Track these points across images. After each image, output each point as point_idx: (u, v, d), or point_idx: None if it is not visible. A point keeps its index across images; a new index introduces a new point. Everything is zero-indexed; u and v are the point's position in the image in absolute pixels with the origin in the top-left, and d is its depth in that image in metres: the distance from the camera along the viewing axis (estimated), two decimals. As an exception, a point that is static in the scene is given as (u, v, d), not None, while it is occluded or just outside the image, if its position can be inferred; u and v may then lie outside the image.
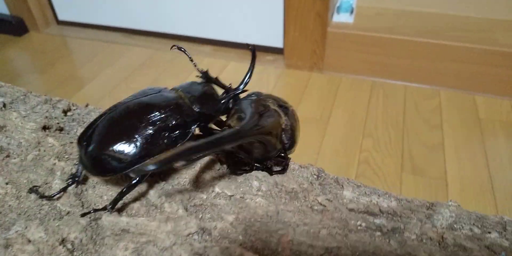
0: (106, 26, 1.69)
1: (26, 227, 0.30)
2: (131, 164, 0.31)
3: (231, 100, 0.38)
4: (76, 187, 0.34)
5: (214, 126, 0.38)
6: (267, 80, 1.35)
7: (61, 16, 1.75)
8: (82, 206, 0.33)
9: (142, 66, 1.46)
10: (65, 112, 0.46)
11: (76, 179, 0.34)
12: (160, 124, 0.33)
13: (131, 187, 0.31)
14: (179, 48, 0.39)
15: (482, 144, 1.07)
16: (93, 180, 0.35)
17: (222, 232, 0.30)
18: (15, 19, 1.67)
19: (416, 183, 0.97)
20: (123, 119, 0.34)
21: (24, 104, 0.46)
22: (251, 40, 1.48)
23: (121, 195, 0.31)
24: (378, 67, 1.33)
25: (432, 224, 0.33)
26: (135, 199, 0.33)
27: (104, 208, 0.31)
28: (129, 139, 0.32)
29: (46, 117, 0.43)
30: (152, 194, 0.33)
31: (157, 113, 0.33)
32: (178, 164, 0.34)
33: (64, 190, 0.33)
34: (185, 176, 0.35)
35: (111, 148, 0.31)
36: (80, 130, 0.42)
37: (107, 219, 0.31)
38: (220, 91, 0.39)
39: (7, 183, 0.35)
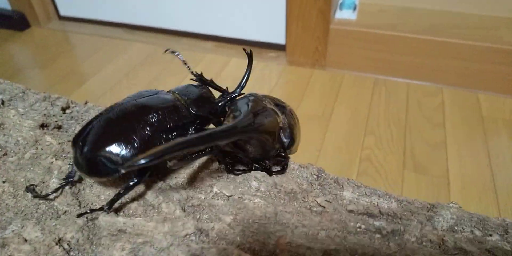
0: (107, 21, 1.68)
1: (22, 227, 0.30)
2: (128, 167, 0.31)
3: (227, 103, 0.37)
4: (71, 187, 0.34)
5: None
6: (269, 77, 1.35)
7: (63, 12, 1.74)
8: (79, 205, 0.33)
9: (143, 62, 1.46)
10: (63, 109, 0.45)
11: (70, 179, 0.33)
12: (157, 125, 0.32)
13: (128, 189, 0.31)
14: (173, 52, 0.39)
15: (484, 143, 1.07)
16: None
17: (220, 233, 0.29)
18: (16, 14, 1.67)
19: (418, 181, 0.97)
20: (120, 120, 0.33)
21: (23, 101, 0.46)
22: (253, 37, 1.48)
23: (118, 196, 0.31)
24: (380, 64, 1.32)
25: (433, 226, 0.33)
26: (133, 199, 0.32)
27: (101, 209, 0.31)
28: (125, 140, 0.31)
29: (45, 114, 0.42)
30: (150, 194, 0.33)
31: (154, 114, 0.33)
32: (172, 163, 0.33)
33: (57, 190, 0.33)
34: (183, 176, 0.35)
35: (107, 149, 0.31)
36: (78, 128, 0.42)
37: (104, 219, 0.30)
38: (216, 94, 0.39)
39: (4, 182, 0.34)
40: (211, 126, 0.38)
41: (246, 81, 0.39)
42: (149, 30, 1.63)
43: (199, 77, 0.38)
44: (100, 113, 0.34)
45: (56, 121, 0.42)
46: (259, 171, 0.36)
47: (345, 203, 0.35)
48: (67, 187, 0.33)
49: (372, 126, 1.14)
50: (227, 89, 0.39)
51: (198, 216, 0.31)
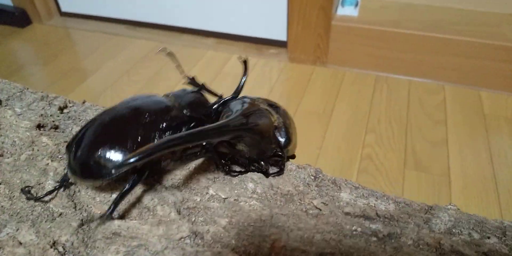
0: (109, 18, 1.68)
1: (17, 229, 0.30)
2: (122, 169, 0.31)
3: (221, 106, 0.37)
4: (64, 190, 0.33)
5: None
6: (270, 74, 1.34)
7: (64, 8, 1.74)
8: (75, 207, 0.32)
9: (144, 59, 1.46)
10: (61, 109, 0.45)
11: (65, 183, 0.33)
12: (149, 126, 0.32)
13: (127, 191, 0.31)
14: (168, 53, 0.38)
15: (486, 140, 1.06)
16: (86, 181, 0.34)
17: (215, 236, 0.29)
18: (18, 11, 1.67)
19: (419, 180, 0.97)
20: (112, 123, 0.33)
21: (20, 101, 0.46)
22: (254, 33, 1.48)
23: (119, 198, 0.30)
24: (382, 61, 1.31)
25: (430, 228, 0.32)
26: (128, 201, 0.32)
27: (103, 216, 0.30)
28: (118, 142, 0.31)
29: (42, 115, 0.42)
30: (145, 196, 0.32)
31: (146, 115, 0.33)
32: (166, 164, 0.33)
33: (51, 192, 0.33)
34: (179, 178, 0.35)
35: (99, 152, 0.31)
36: (76, 129, 0.42)
37: (99, 222, 0.30)
38: (211, 99, 0.39)
39: (0, 183, 0.34)
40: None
41: (241, 87, 0.39)
42: (150, 27, 1.63)
43: (192, 81, 0.38)
44: (94, 118, 0.34)
45: (53, 121, 0.42)
46: (255, 173, 0.36)
47: (342, 205, 0.34)
48: (62, 189, 0.33)
49: (373, 124, 1.13)
50: (222, 95, 0.39)
51: (193, 219, 0.31)
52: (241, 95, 0.39)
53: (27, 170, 0.35)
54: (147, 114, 0.33)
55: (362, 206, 0.34)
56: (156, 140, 0.32)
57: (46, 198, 0.33)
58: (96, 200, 0.33)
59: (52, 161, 0.36)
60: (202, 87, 0.39)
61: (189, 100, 0.37)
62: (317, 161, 1.01)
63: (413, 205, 0.36)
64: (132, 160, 0.24)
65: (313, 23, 1.31)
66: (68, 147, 0.33)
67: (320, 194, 0.35)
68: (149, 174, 0.33)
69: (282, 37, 1.43)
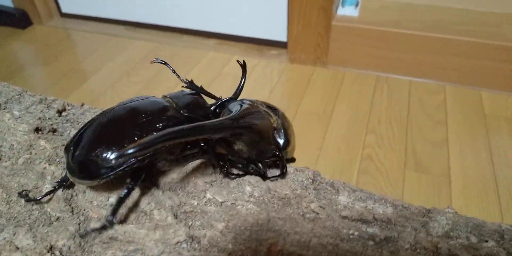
0: (109, 19, 1.68)
1: (14, 234, 0.30)
2: (119, 167, 0.31)
3: (219, 107, 0.38)
4: (63, 190, 0.33)
5: None
6: (271, 75, 1.34)
7: (65, 9, 1.74)
8: (72, 211, 0.33)
9: (144, 60, 1.46)
10: (59, 112, 0.45)
11: (64, 183, 0.33)
12: (147, 126, 0.32)
13: (126, 195, 0.31)
14: (160, 62, 0.39)
15: (486, 140, 1.06)
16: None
17: (212, 240, 0.29)
18: (18, 12, 1.67)
19: (419, 180, 0.96)
20: (111, 123, 0.33)
21: (19, 104, 0.46)
22: (255, 34, 1.48)
23: (118, 204, 0.30)
24: (382, 62, 1.31)
25: (428, 232, 0.32)
26: (125, 205, 0.32)
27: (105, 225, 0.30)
28: (116, 142, 0.31)
29: (40, 118, 0.42)
30: (142, 200, 0.32)
31: (143, 115, 0.33)
32: (162, 164, 0.33)
33: (49, 193, 0.33)
34: (176, 181, 0.35)
35: (97, 151, 0.31)
36: (74, 132, 0.42)
37: (96, 226, 0.30)
38: (210, 102, 0.39)
39: (-3, 187, 0.34)
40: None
41: (241, 90, 0.39)
42: (150, 28, 1.63)
43: (191, 84, 0.38)
44: (92, 119, 0.34)
45: (51, 124, 0.42)
46: (253, 176, 0.36)
47: (339, 209, 0.34)
48: (60, 193, 0.33)
49: (373, 124, 1.13)
50: (220, 98, 0.39)
51: (190, 223, 0.31)
52: (241, 97, 0.39)
53: (25, 174, 0.35)
54: (144, 114, 0.33)
55: (359, 210, 0.34)
56: None
57: (44, 199, 0.33)
58: (94, 204, 0.33)
59: (49, 164, 0.36)
60: (200, 90, 0.39)
61: (187, 101, 0.37)
62: (317, 162, 1.01)
63: (411, 208, 0.36)
64: (131, 151, 0.24)
65: (313, 22, 1.30)
66: (67, 148, 0.33)
67: (318, 197, 0.35)
68: (145, 177, 0.33)
69: (283, 37, 1.43)
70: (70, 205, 0.33)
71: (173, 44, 1.53)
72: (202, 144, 0.34)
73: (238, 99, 0.39)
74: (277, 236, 0.30)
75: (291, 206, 0.33)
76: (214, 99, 0.39)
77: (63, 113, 0.45)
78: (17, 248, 0.29)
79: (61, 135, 0.41)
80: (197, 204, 0.33)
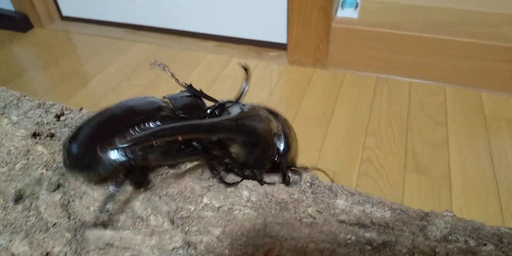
0: (109, 21, 1.68)
1: (10, 241, 0.30)
2: (116, 162, 0.31)
3: (217, 110, 0.37)
4: (60, 199, 0.33)
5: None
6: (270, 77, 1.34)
7: (65, 12, 1.74)
8: (69, 217, 0.33)
9: (145, 62, 1.46)
10: (58, 116, 0.45)
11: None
12: (141, 125, 0.33)
13: (115, 192, 0.31)
14: (159, 65, 0.39)
15: (487, 142, 1.06)
16: (80, 190, 0.34)
17: (208, 246, 0.29)
18: (19, 15, 1.67)
19: (419, 182, 0.96)
20: (108, 121, 0.34)
21: (17, 108, 0.46)
22: (254, 36, 1.48)
23: (107, 199, 0.31)
24: (382, 63, 1.31)
25: (426, 236, 0.32)
26: (121, 211, 0.32)
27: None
28: (111, 139, 0.32)
29: (38, 123, 0.42)
30: (138, 205, 0.32)
31: (139, 114, 0.33)
32: (154, 157, 0.33)
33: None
34: (173, 186, 0.35)
35: (95, 148, 0.31)
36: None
37: (92, 232, 0.30)
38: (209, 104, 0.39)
39: (-6, 193, 0.34)
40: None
41: (243, 94, 0.39)
42: (150, 30, 1.63)
43: (190, 88, 0.38)
44: (90, 117, 0.35)
45: (49, 129, 0.42)
46: (251, 180, 0.36)
47: (337, 213, 0.34)
48: (57, 199, 0.33)
49: (373, 126, 1.13)
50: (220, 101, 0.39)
51: (186, 229, 0.31)
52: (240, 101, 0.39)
53: (22, 179, 0.35)
54: (139, 112, 0.34)
55: (357, 214, 0.34)
56: None
57: (41, 208, 0.33)
58: (90, 210, 0.33)
59: (46, 170, 0.36)
60: (199, 94, 0.38)
61: (184, 102, 0.37)
62: (317, 165, 1.01)
63: (409, 211, 0.35)
64: (124, 145, 0.25)
65: (313, 25, 1.30)
66: (64, 145, 0.33)
67: (316, 201, 0.35)
68: (143, 181, 0.33)
69: (282, 39, 1.43)
70: (67, 211, 0.33)
71: (172, 47, 1.54)
72: (196, 144, 0.34)
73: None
74: (274, 241, 0.30)
75: (288, 211, 0.33)
76: (214, 102, 0.39)
77: (61, 118, 0.45)
78: (13, 254, 0.29)
79: (58, 140, 0.41)
80: (193, 209, 0.33)
